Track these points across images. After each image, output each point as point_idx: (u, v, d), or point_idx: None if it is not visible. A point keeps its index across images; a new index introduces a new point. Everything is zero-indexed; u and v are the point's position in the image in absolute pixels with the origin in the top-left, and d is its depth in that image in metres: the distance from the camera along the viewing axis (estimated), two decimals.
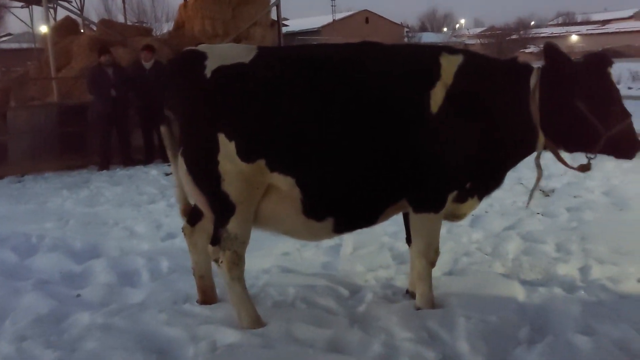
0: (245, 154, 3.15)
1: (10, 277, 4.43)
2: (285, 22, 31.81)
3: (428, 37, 55.80)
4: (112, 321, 3.47)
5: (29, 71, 17.81)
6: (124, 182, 8.84)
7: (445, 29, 73.13)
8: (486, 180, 3.46)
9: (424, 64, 3.32)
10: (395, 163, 3.21)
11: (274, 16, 17.38)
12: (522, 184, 6.82)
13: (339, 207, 3.30)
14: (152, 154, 10.35)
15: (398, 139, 3.19)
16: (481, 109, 3.25)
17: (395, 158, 3.21)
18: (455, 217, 3.62)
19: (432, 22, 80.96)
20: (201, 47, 3.39)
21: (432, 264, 3.49)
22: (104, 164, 10.22)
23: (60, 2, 22.94)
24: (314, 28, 52.55)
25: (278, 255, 4.68)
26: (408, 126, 3.20)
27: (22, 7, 32.57)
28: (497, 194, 5.83)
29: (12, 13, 35.81)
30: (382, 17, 58.78)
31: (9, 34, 49.35)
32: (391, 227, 4.95)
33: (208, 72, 3.21)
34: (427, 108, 3.20)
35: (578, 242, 4.78)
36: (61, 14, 19.14)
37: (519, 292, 3.68)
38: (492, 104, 3.26)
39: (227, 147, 3.15)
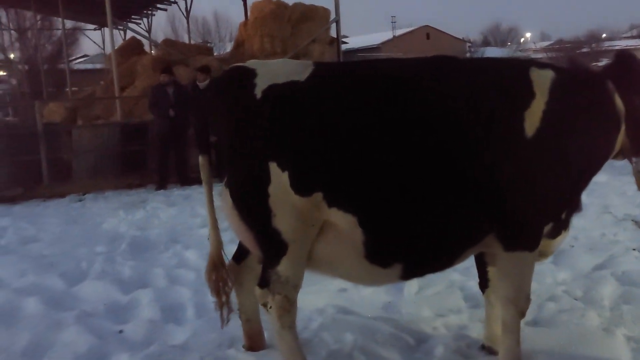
0: (300, 186, 2.72)
1: (55, 306, 4.31)
2: (344, 40, 31.71)
3: (492, 52, 54.38)
4: None
5: (96, 91, 18.37)
6: (179, 202, 8.74)
7: (509, 44, 71.44)
8: (575, 206, 3.02)
9: (512, 80, 2.85)
10: (481, 196, 2.73)
11: (333, 33, 17.19)
12: (610, 212, 6.11)
13: (410, 251, 2.82)
14: None
15: (485, 169, 2.71)
16: (578, 127, 2.85)
17: (482, 190, 2.72)
18: (542, 255, 3.12)
19: (495, 37, 79.24)
20: (250, 63, 2.97)
21: (522, 313, 2.96)
22: (162, 184, 10.22)
23: (129, 23, 23.69)
24: (374, 45, 52.40)
25: (334, 293, 4.24)
26: (498, 153, 2.72)
27: (95, 29, 34.18)
28: (581, 223, 5.23)
29: (86, 35, 37.58)
30: (443, 32, 58.02)
31: (85, 55, 51.91)
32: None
33: (258, 92, 2.80)
34: (522, 132, 2.72)
35: None
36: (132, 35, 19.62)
37: (623, 352, 3.10)
38: (587, 120, 2.90)
39: (279, 178, 2.74)
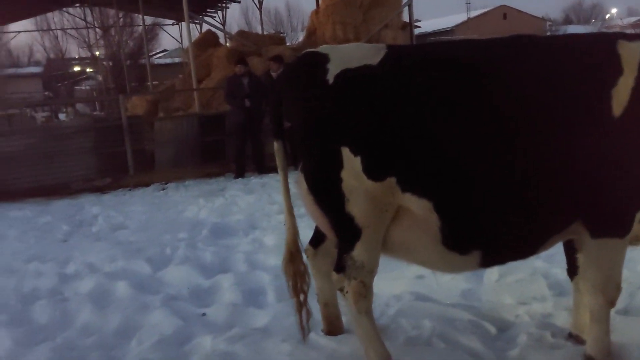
0: (373, 170, 2.69)
1: (142, 290, 4.50)
2: (417, 24, 31.14)
3: (574, 30, 51.72)
4: (234, 349, 3.26)
5: (175, 84, 19.03)
6: (257, 190, 8.91)
7: (593, 21, 67.66)
8: None
9: (597, 56, 2.68)
10: (565, 181, 2.60)
11: (405, 18, 16.90)
12: None
13: (490, 237, 2.72)
14: None
15: (569, 152, 2.57)
16: None
17: (566, 175, 2.59)
18: (637, 239, 2.93)
19: (578, 14, 75.29)
20: (323, 49, 2.96)
21: (612, 303, 2.81)
22: (240, 172, 10.47)
23: (205, 17, 24.34)
24: (448, 28, 51.16)
25: (411, 279, 4.20)
26: (583, 135, 2.58)
27: (173, 24, 35.37)
28: None
29: (165, 30, 38.97)
30: (521, 11, 55.71)
31: (164, 50, 53.94)
32: None
33: (330, 77, 2.77)
34: (609, 111, 2.57)
35: None
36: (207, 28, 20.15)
37: None
38: None
39: (351, 163, 2.72)
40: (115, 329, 3.76)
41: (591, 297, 2.83)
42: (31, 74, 53.08)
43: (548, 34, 47.59)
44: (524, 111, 2.61)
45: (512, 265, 3.97)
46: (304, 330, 3.19)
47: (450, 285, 4.07)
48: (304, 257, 3.23)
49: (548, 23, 59.97)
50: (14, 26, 38.49)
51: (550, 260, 4.19)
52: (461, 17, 55.23)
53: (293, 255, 3.15)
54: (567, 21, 70.06)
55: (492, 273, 4.11)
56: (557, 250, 3.25)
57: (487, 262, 2.85)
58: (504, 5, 56.33)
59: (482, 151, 2.62)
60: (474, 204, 2.65)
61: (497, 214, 2.67)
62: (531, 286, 3.90)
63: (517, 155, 2.60)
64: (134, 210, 8.12)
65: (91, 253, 5.62)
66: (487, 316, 3.47)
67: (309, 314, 3.19)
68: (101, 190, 10.35)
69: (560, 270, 3.42)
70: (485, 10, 56.77)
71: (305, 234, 3.39)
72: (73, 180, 10.61)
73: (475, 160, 2.62)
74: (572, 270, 3.09)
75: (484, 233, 2.71)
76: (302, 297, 3.16)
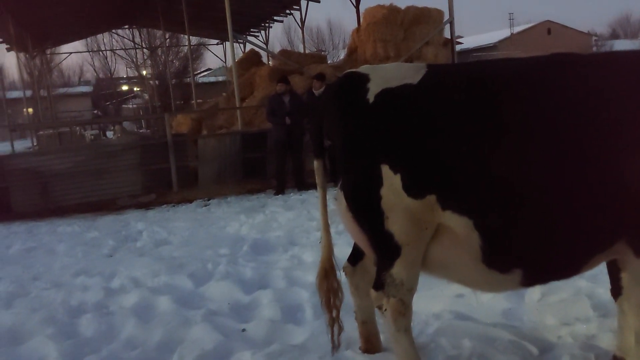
0: (413, 188, 2.71)
1: (184, 305, 4.58)
2: (459, 40, 30.95)
3: (621, 45, 50.41)
4: None
5: (218, 102, 19.43)
6: (296, 207, 8.98)
7: None
8: None
9: (637, 73, 2.64)
10: (609, 200, 2.55)
11: (447, 34, 16.85)
12: None
13: (531, 256, 2.69)
14: None
15: (612, 171, 2.53)
16: None
17: (610, 194, 2.54)
18: None
19: (625, 29, 73.39)
20: (363, 69, 3.02)
21: None
22: (280, 189, 10.58)
23: (248, 36, 24.82)
24: (490, 44, 50.61)
25: (451, 298, 4.15)
26: (627, 153, 2.53)
27: (217, 44, 36.26)
28: None
29: (209, 50, 39.93)
30: (566, 26, 54.70)
31: (209, 69, 55.27)
32: None
33: (371, 96, 2.83)
34: None
35: None
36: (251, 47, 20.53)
37: None
38: None
39: (391, 180, 2.75)
40: (157, 343, 3.83)
41: (635, 318, 2.75)
42: (81, 93, 55.18)
43: (594, 49, 46.55)
44: (566, 129, 2.59)
45: (554, 284, 3.89)
46: (334, 344, 3.22)
47: (491, 305, 4.00)
48: (340, 274, 3.25)
49: (594, 38, 58.66)
50: (65, 47, 40.07)
51: (595, 280, 4.08)
52: (504, 33, 54.65)
53: (327, 272, 3.19)
54: (614, 36, 68.38)
55: (534, 292, 4.03)
56: (601, 270, 3.17)
57: (529, 281, 2.81)
58: (549, 20, 55.46)
59: (523, 169, 2.60)
60: (515, 222, 2.63)
61: (538, 232, 2.63)
62: (574, 306, 3.80)
63: (559, 174, 2.57)
64: (178, 226, 8.30)
65: (135, 268, 5.76)
66: (528, 336, 3.39)
67: (340, 329, 3.22)
68: (146, 206, 10.62)
69: (604, 290, 3.33)
70: (529, 25, 56.00)
71: (344, 251, 3.41)
72: (119, 196, 10.94)
73: (516, 178, 2.61)
74: (616, 290, 3.00)
75: (524, 251, 2.68)
76: (334, 312, 3.19)
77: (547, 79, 2.71)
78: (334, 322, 3.20)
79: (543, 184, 2.59)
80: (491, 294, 4.06)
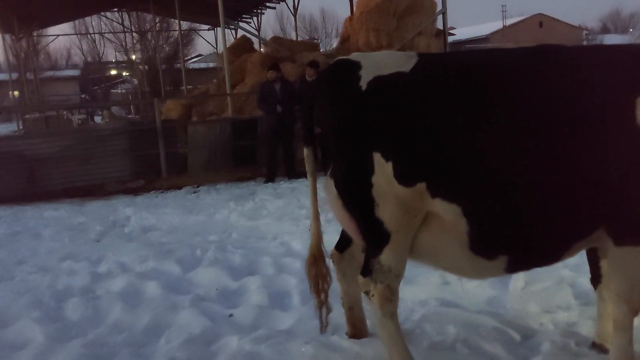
0: (404, 176, 2.73)
1: (173, 290, 4.59)
2: (451, 31, 30.95)
3: (611, 40, 50.67)
4: (259, 349, 3.32)
5: (209, 88, 19.33)
6: (286, 195, 8.99)
7: (631, 30, 66.20)
8: None
9: (621, 66, 2.67)
10: (590, 188, 2.59)
11: (439, 25, 16.85)
12: None
13: (516, 243, 2.73)
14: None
15: (594, 160, 2.57)
16: None
17: (591, 182, 2.59)
18: None
19: (615, 23, 73.79)
20: (354, 56, 3.02)
21: (636, 311, 2.76)
22: (270, 177, 10.57)
23: (240, 22, 24.66)
24: (482, 35, 50.70)
25: (437, 285, 4.21)
26: (608, 144, 2.57)
27: (208, 29, 35.95)
28: None
29: (200, 35, 39.64)
30: (557, 20, 54.89)
31: (199, 55, 54.82)
32: (572, 258, 4.18)
33: (363, 84, 2.84)
34: (634, 120, 2.55)
35: None
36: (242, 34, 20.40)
37: None
38: None
39: (382, 168, 2.77)
40: (144, 327, 3.85)
41: (614, 306, 2.80)
42: (69, 76, 54.53)
43: (585, 43, 46.78)
44: (552, 118, 2.62)
45: (538, 273, 3.98)
46: (323, 324, 3.30)
47: (476, 292, 4.07)
48: (328, 261, 3.29)
49: (585, 32, 58.92)
50: (52, 29, 39.61)
51: (577, 269, 4.16)
52: (497, 25, 54.75)
53: (316, 258, 3.22)
54: (605, 30, 68.75)
55: (518, 281, 4.10)
56: (584, 260, 3.24)
57: (514, 267, 2.86)
58: (541, 13, 55.58)
59: (510, 158, 2.64)
60: (501, 209, 2.67)
61: (522, 220, 2.67)
62: (557, 295, 3.88)
63: (544, 162, 2.61)
64: (166, 212, 8.28)
65: (123, 253, 5.77)
66: (511, 323, 3.46)
67: (328, 310, 3.30)
68: (134, 192, 10.58)
69: (586, 279, 3.38)
70: (522, 18, 56.15)
71: (333, 239, 3.44)
72: (107, 181, 10.88)
73: (503, 166, 2.64)
74: (596, 278, 3.07)
75: (510, 238, 2.72)
76: (322, 296, 3.25)
77: (534, 70, 2.73)
78: (322, 304, 3.26)
79: (528, 173, 2.62)
80: (476, 282, 4.13)
